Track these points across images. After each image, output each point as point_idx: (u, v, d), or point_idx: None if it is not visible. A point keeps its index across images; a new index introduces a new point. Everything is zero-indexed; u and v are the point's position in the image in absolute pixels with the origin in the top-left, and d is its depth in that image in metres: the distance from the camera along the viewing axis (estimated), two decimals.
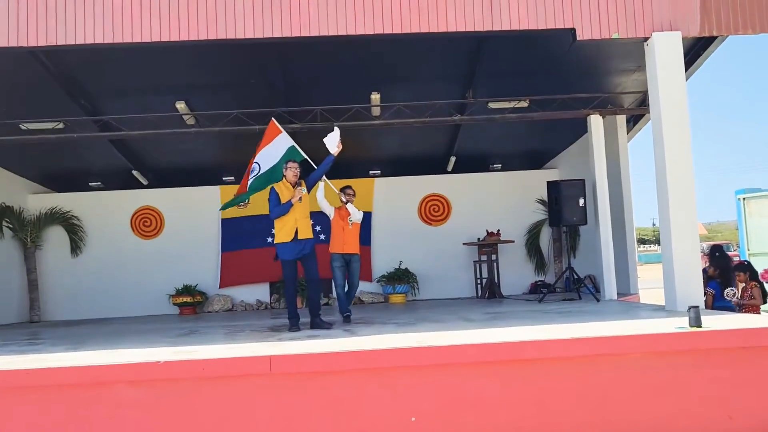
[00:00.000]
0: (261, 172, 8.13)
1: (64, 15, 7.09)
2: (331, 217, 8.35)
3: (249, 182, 8.22)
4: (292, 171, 7.49)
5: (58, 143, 9.87)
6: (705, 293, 7.93)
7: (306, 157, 8.05)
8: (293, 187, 7.43)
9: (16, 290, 12.06)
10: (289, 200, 7.32)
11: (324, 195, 8.07)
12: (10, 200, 11.93)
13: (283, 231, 7.41)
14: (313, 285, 7.58)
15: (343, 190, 8.41)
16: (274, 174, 7.97)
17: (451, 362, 5.14)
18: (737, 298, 7.68)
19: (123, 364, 4.94)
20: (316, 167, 7.80)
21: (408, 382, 5.13)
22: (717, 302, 7.91)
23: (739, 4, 7.39)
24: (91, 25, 7.12)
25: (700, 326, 5.45)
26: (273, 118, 8.50)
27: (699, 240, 7.40)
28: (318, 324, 7.38)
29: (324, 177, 7.89)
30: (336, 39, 7.33)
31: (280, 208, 7.36)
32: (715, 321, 5.72)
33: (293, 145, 8.12)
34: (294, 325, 7.38)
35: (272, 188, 7.53)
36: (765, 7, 7.33)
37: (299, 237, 7.36)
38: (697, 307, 5.53)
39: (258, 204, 11.00)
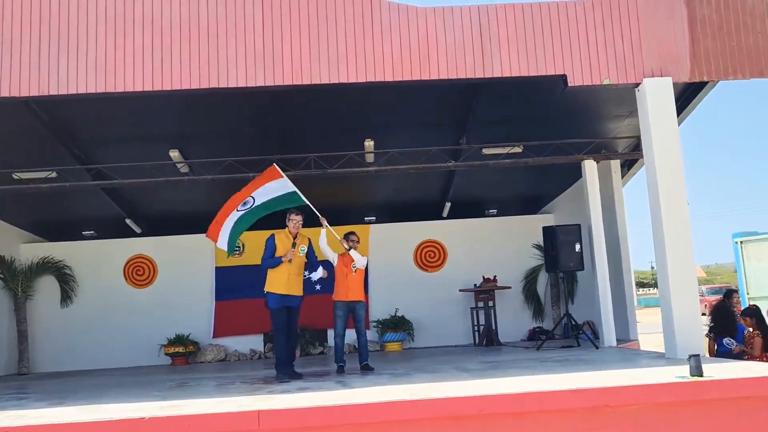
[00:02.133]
0: (255, 205, 8.05)
1: (57, 65, 7.10)
2: (335, 264, 8.24)
3: (239, 215, 8.04)
4: (293, 223, 7.63)
5: (50, 192, 9.81)
6: (709, 336, 7.87)
7: (307, 202, 8.03)
8: (294, 240, 7.53)
9: (5, 341, 11.85)
10: (280, 257, 7.48)
11: (327, 242, 8.03)
12: (1, 250, 11.83)
13: (274, 282, 7.53)
14: (293, 336, 7.80)
15: (346, 236, 8.31)
16: (268, 208, 7.99)
17: (446, 416, 4.97)
18: (737, 346, 7.56)
19: (105, 421, 4.77)
20: (318, 213, 7.94)
21: None
22: (718, 348, 7.78)
23: (728, 50, 7.45)
24: (83, 75, 7.13)
25: (702, 375, 5.30)
26: (275, 164, 8.43)
27: (698, 284, 7.30)
28: (290, 373, 7.53)
29: (326, 224, 7.99)
30: (329, 87, 7.35)
31: (271, 262, 7.50)
32: (717, 370, 5.57)
33: (295, 191, 8.07)
34: (283, 374, 7.36)
35: (272, 235, 7.60)
36: (753, 54, 7.39)
37: (288, 292, 7.54)
38: (698, 355, 5.39)
39: (252, 254, 10.89)
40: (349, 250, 8.13)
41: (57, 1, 7.18)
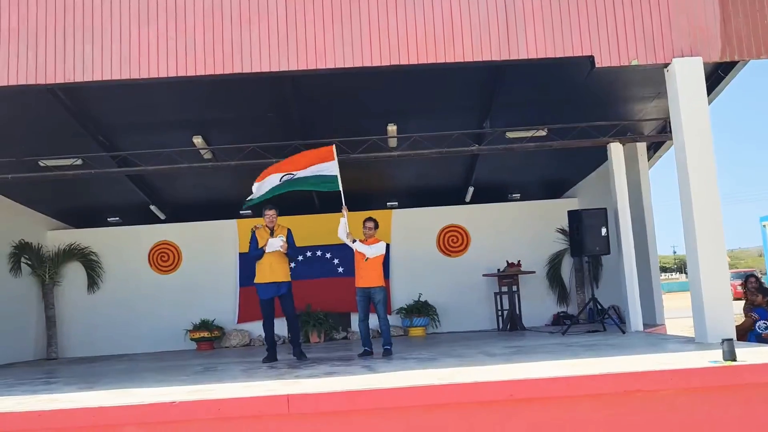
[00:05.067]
0: (294, 177, 8.33)
1: (82, 52, 7.12)
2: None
3: (278, 183, 8.32)
4: (268, 218, 8.25)
5: (76, 179, 9.89)
6: (750, 316, 7.86)
7: (341, 189, 8.13)
8: (270, 232, 8.13)
9: (33, 327, 12.03)
10: (262, 247, 8.08)
11: (347, 231, 8.08)
12: (29, 237, 11.96)
13: (259, 272, 8.18)
14: (290, 321, 8.39)
15: (364, 222, 8.35)
16: (305, 183, 8.31)
17: (474, 401, 4.95)
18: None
19: (135, 405, 4.80)
20: (344, 203, 8.10)
21: (430, 421, 4.94)
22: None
23: (760, 28, 7.27)
24: (108, 62, 7.14)
25: (735, 360, 5.22)
26: (334, 145, 8.44)
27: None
28: (297, 354, 8.18)
29: (345, 214, 8.09)
30: (351, 71, 7.29)
31: (255, 253, 8.16)
32: (751, 354, 5.48)
33: (337, 176, 8.20)
34: (268, 357, 8.13)
35: (253, 232, 8.25)
36: None
37: (273, 279, 8.09)
38: (731, 339, 5.31)
39: None
40: (354, 242, 8.11)
41: None
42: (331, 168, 8.22)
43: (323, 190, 8.38)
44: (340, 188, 8.11)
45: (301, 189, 8.41)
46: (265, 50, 7.16)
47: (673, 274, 63.73)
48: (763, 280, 9.29)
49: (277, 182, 8.32)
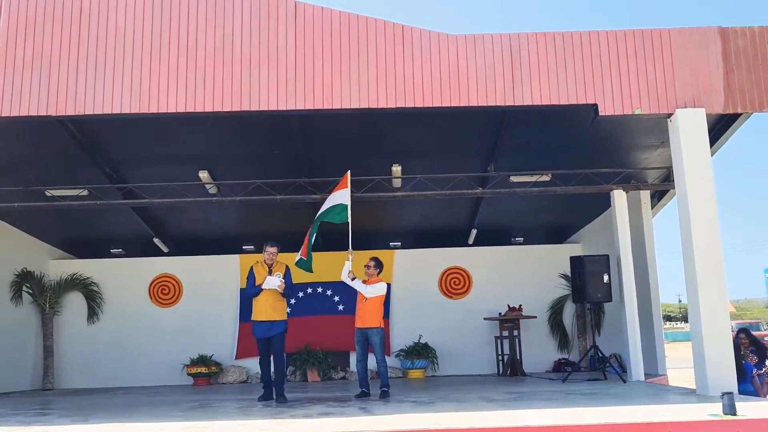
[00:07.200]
0: (321, 210, 8.45)
1: (93, 86, 7.25)
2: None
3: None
4: (268, 254, 8.03)
5: (81, 210, 9.94)
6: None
7: (349, 221, 8.13)
8: (269, 269, 7.97)
9: (31, 356, 11.97)
10: (259, 285, 7.90)
11: (348, 270, 8.07)
12: (31, 265, 11.99)
13: (255, 310, 8.01)
14: (276, 361, 8.03)
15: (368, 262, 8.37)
16: (326, 215, 8.35)
17: None
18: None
19: None
20: (350, 244, 8.10)
21: None
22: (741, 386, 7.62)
23: (763, 82, 7.36)
24: (118, 96, 7.27)
25: (735, 414, 5.15)
26: (349, 172, 8.48)
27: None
28: (277, 395, 7.86)
29: (350, 258, 8.08)
30: (358, 111, 7.38)
31: (253, 290, 7.99)
32: (751, 408, 5.41)
33: (347, 205, 8.21)
34: (263, 396, 8.00)
35: (251, 267, 8.11)
36: None
37: (267, 318, 7.91)
38: (731, 393, 5.24)
39: None
40: (353, 280, 8.09)
41: (96, 24, 7.37)
42: (343, 196, 8.20)
43: (335, 222, 8.25)
44: (349, 219, 8.11)
45: (316, 228, 8.42)
46: (274, 89, 7.28)
47: (678, 323, 63.06)
48: (761, 339, 9.15)
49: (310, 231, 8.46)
